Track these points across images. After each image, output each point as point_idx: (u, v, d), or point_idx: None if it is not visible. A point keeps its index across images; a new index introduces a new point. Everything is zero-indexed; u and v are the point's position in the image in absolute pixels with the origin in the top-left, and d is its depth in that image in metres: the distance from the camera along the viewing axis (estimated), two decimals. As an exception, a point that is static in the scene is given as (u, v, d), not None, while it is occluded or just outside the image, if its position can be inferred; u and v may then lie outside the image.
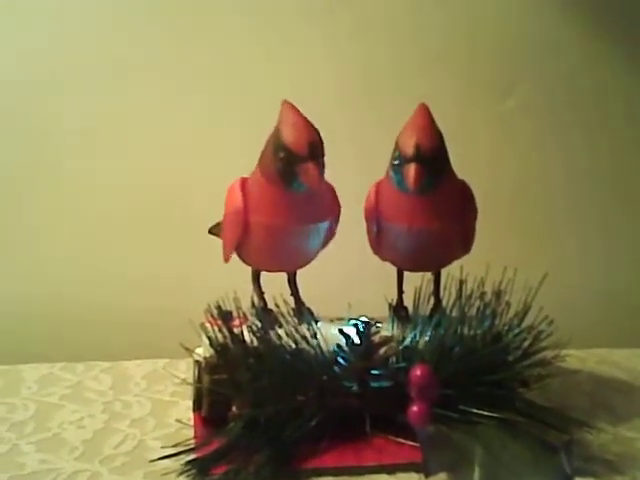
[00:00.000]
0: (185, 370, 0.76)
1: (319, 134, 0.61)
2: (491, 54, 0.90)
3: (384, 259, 0.70)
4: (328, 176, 0.63)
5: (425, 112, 0.64)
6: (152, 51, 0.85)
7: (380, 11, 0.88)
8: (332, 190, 0.66)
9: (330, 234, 0.67)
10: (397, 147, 0.64)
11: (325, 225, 0.65)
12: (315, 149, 0.60)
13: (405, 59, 0.89)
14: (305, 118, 0.61)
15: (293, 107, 0.62)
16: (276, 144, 0.61)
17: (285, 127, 0.61)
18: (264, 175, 0.63)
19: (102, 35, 0.84)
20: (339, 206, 0.67)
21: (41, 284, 0.86)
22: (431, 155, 0.63)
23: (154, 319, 0.84)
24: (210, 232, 0.74)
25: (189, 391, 0.67)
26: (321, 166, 0.61)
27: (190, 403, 0.67)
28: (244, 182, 0.65)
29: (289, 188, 0.61)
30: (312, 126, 0.61)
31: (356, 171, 0.78)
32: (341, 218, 0.67)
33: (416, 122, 0.64)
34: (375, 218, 0.67)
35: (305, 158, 0.60)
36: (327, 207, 0.65)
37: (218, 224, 0.71)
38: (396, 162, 0.64)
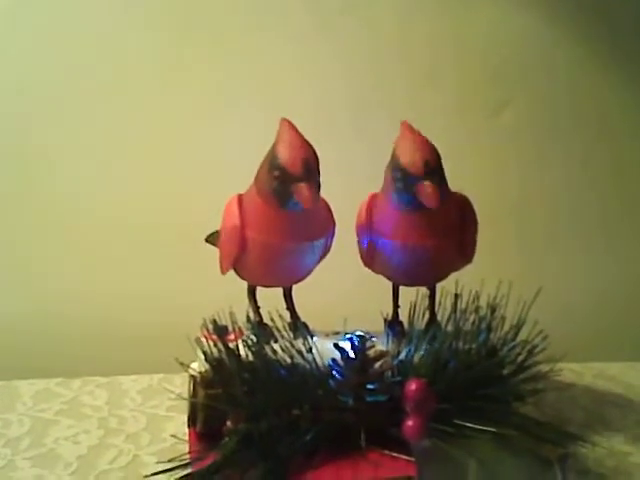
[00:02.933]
0: (180, 385, 0.75)
1: (315, 153, 0.61)
2: (488, 66, 0.90)
3: (377, 272, 0.70)
4: (324, 191, 0.63)
5: (412, 128, 0.64)
6: (148, 67, 0.86)
7: (387, 22, 0.88)
8: (327, 207, 0.66)
9: (325, 250, 0.67)
10: (399, 167, 0.62)
11: (320, 242, 0.65)
12: (310, 168, 0.60)
13: (414, 70, 0.89)
14: (301, 137, 0.61)
15: (291, 125, 0.61)
16: (271, 163, 0.61)
17: (281, 145, 0.61)
18: (259, 193, 0.62)
19: (100, 47, 0.84)
20: (334, 223, 0.66)
21: (36, 301, 0.86)
22: (438, 167, 0.63)
23: (149, 334, 0.84)
24: (207, 241, 0.74)
25: (184, 406, 0.67)
26: (316, 185, 0.61)
27: (185, 418, 0.67)
28: (240, 199, 0.65)
29: (284, 207, 0.61)
30: (308, 145, 0.61)
31: (352, 186, 0.79)
32: (338, 232, 0.67)
33: (413, 139, 0.63)
34: (368, 234, 0.67)
35: (299, 177, 0.59)
36: (322, 224, 0.65)
37: (215, 233, 0.70)
38: (400, 184, 0.62)
